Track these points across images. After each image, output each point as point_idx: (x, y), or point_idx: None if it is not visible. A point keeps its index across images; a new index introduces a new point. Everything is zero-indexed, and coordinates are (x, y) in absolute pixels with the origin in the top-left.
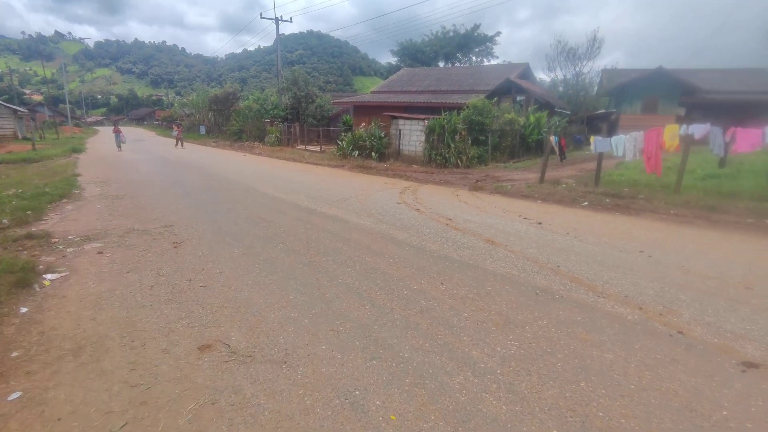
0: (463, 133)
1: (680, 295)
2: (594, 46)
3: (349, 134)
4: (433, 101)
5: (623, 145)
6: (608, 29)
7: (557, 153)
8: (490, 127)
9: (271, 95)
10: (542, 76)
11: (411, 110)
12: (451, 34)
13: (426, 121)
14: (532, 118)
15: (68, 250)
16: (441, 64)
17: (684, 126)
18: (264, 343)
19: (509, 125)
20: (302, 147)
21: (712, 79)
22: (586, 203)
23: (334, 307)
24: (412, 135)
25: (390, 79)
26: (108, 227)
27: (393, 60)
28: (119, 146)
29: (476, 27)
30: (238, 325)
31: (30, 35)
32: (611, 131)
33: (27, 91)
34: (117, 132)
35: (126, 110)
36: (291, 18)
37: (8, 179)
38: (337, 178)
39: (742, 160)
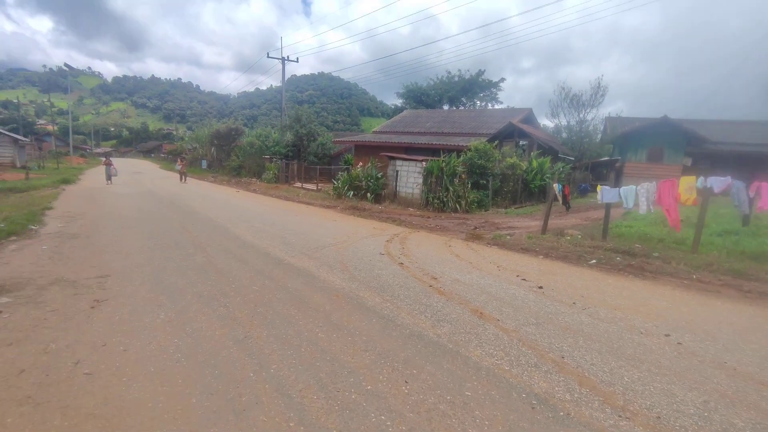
0: (463, 176)
1: (734, 419)
2: (598, 93)
3: (345, 174)
4: (434, 143)
5: (634, 196)
6: (610, 79)
7: (561, 200)
8: (491, 171)
9: (274, 132)
10: (546, 121)
11: (412, 151)
12: (456, 78)
13: (424, 163)
14: (534, 163)
15: None
16: (445, 108)
17: (701, 178)
18: None
19: (511, 170)
20: (299, 185)
21: (717, 130)
22: (594, 261)
23: (247, 421)
24: (409, 177)
25: (392, 120)
26: (35, 275)
27: (398, 102)
28: (109, 179)
29: (481, 72)
30: None
31: (51, 69)
32: (617, 179)
33: (41, 122)
34: (108, 164)
35: (135, 143)
36: (297, 58)
37: None
38: (324, 220)
39: (758, 215)
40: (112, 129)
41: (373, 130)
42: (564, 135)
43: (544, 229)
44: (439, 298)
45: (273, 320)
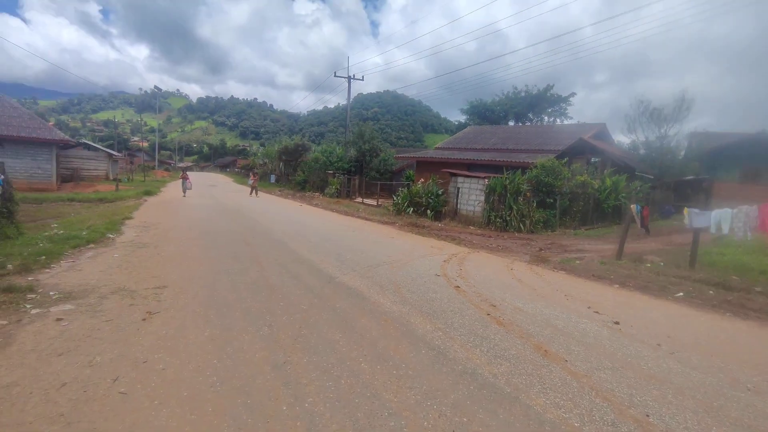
0: (528, 194)
1: None
2: (682, 106)
3: (405, 190)
4: (497, 159)
5: (729, 221)
6: (694, 92)
7: (639, 223)
8: (559, 189)
9: (338, 148)
10: (621, 138)
11: (474, 168)
12: (523, 94)
13: (486, 180)
14: (608, 182)
15: (33, 311)
16: (511, 124)
17: None
18: None
19: (581, 188)
20: (360, 200)
21: None
22: (681, 294)
23: None
24: (471, 194)
25: (455, 136)
26: (101, 283)
27: (462, 118)
28: (184, 192)
29: (549, 87)
30: None
31: (145, 91)
32: (706, 201)
33: (135, 138)
34: (184, 178)
35: (213, 158)
36: (363, 77)
37: (74, 217)
38: (381, 236)
39: None
40: (195, 145)
41: (435, 146)
42: (642, 151)
43: (620, 254)
44: (497, 330)
45: (316, 345)
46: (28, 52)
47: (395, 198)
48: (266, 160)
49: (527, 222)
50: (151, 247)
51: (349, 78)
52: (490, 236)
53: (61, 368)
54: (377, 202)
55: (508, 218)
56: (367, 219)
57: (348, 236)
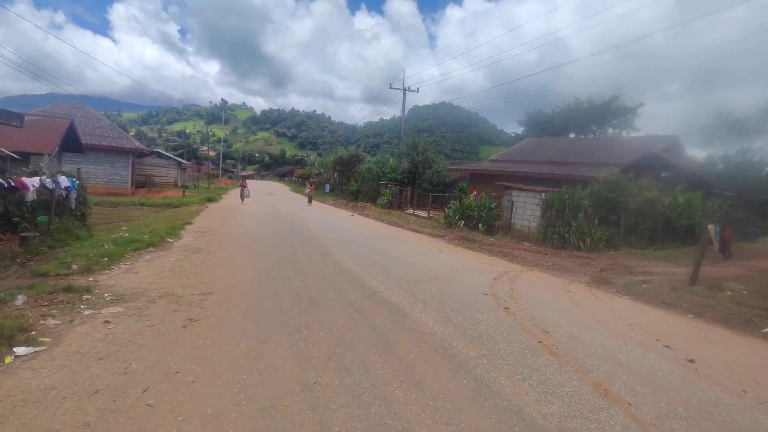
0: (589, 210)
1: None
2: None
3: (457, 202)
4: (556, 173)
5: None
6: None
7: (717, 245)
8: (624, 206)
9: (391, 159)
10: (696, 152)
11: (531, 181)
12: (585, 105)
13: (543, 194)
14: (680, 199)
15: (86, 312)
16: (572, 137)
17: None
18: None
19: (649, 205)
20: (411, 211)
21: None
22: None
23: None
24: (526, 208)
25: (511, 148)
26: (152, 287)
27: (520, 130)
28: (242, 199)
29: (615, 98)
30: None
31: (215, 104)
32: None
33: (204, 148)
34: (243, 186)
35: (273, 167)
36: (418, 88)
37: (141, 221)
38: (429, 249)
39: None
40: (257, 155)
41: (490, 158)
42: (720, 167)
43: (694, 279)
44: (549, 361)
45: (350, 366)
46: (115, 70)
47: (446, 210)
48: (321, 170)
49: (587, 240)
50: (205, 252)
51: (404, 90)
52: (545, 254)
53: (98, 373)
54: (428, 214)
55: (566, 235)
56: (416, 231)
57: (395, 248)
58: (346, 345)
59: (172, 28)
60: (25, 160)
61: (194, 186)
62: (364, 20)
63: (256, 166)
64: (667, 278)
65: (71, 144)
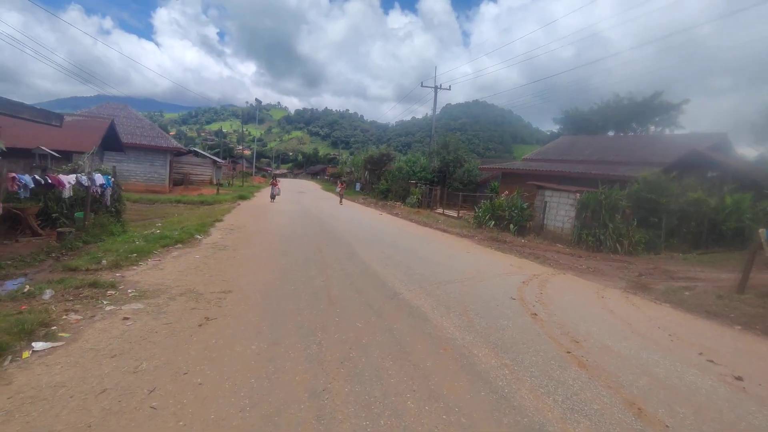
0: (627, 211)
1: None
2: None
3: (487, 202)
4: (592, 172)
5: None
6: None
7: None
8: (665, 207)
9: (422, 158)
10: (746, 150)
11: (565, 181)
12: (626, 102)
13: (578, 194)
14: (728, 200)
15: (108, 308)
16: (610, 135)
17: None
18: None
19: (694, 206)
20: (440, 211)
21: None
22: None
23: None
24: (559, 209)
25: (545, 147)
26: (175, 284)
27: (555, 128)
28: (273, 197)
29: (657, 94)
30: None
31: (251, 104)
32: None
33: (240, 147)
34: (274, 185)
35: (306, 166)
36: (450, 86)
37: (175, 217)
38: (457, 250)
39: None
40: (290, 154)
41: (523, 157)
42: None
43: (743, 287)
44: (578, 373)
45: (362, 372)
46: (156, 73)
47: (476, 210)
48: (352, 169)
49: (625, 242)
50: (231, 250)
51: (435, 88)
52: (580, 256)
53: (109, 372)
54: (458, 213)
55: (602, 237)
56: (444, 231)
57: (422, 248)
58: (360, 349)
59: (212, 31)
60: (67, 158)
61: (228, 184)
62: (397, 19)
63: (290, 164)
64: (711, 285)
65: (112, 143)
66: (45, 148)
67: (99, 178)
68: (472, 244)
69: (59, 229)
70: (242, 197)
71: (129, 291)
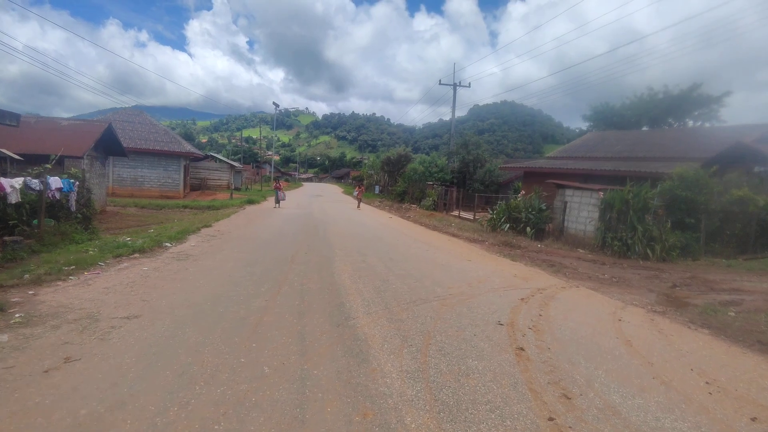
0: (660, 211)
1: None
2: None
3: (503, 203)
4: (621, 169)
5: None
6: None
7: None
8: (704, 207)
9: (439, 158)
10: None
11: (592, 179)
12: (661, 95)
13: (601, 193)
14: None
15: None
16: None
17: None
18: None
19: (739, 205)
20: (456, 213)
21: None
22: None
23: None
24: (581, 209)
25: (571, 144)
26: (81, 306)
27: (584, 126)
28: (277, 202)
29: (696, 86)
30: None
31: (280, 110)
32: None
33: (269, 153)
34: (277, 188)
35: (331, 170)
36: (470, 83)
37: (169, 224)
38: (457, 258)
39: None
40: (318, 158)
41: (546, 155)
42: None
43: None
44: None
45: None
46: (184, 87)
47: (491, 213)
48: (372, 172)
49: (657, 247)
50: (191, 260)
51: (454, 85)
52: (603, 263)
53: None
54: (474, 216)
55: (629, 241)
56: (453, 235)
57: (415, 256)
58: (235, 416)
59: (241, 40)
60: (59, 163)
61: (246, 188)
62: (423, 21)
63: (316, 169)
64: (763, 299)
65: (114, 147)
66: (4, 151)
67: (55, 182)
68: (479, 250)
69: (6, 238)
70: (250, 202)
71: (17, 315)
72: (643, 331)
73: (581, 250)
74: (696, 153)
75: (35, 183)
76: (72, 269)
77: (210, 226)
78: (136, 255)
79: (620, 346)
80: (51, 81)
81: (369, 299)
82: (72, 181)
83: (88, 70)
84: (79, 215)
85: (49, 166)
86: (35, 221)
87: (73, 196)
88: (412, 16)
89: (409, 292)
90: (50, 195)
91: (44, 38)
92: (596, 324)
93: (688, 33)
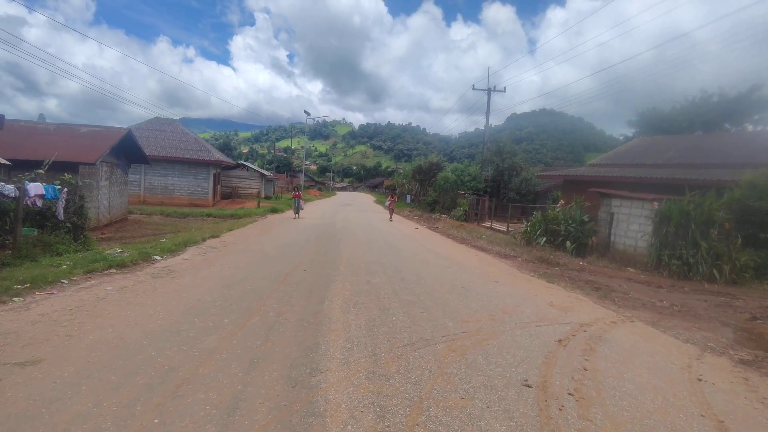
0: (727, 225)
1: None
2: None
3: (538, 214)
4: (676, 177)
5: None
6: None
7: None
8: None
9: (471, 166)
10: None
11: (640, 188)
12: (716, 98)
13: (656, 203)
14: None
15: None
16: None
17: None
18: None
19: None
20: (488, 224)
21: None
22: None
23: None
24: (631, 222)
25: (616, 150)
26: (25, 330)
27: (630, 132)
28: (297, 212)
29: (756, 88)
30: None
31: (317, 121)
32: None
33: (307, 162)
34: (296, 197)
35: (366, 179)
36: (504, 88)
37: (184, 233)
38: (481, 279)
39: None
40: (354, 168)
41: (589, 162)
42: None
43: None
44: None
45: None
46: (225, 101)
47: (525, 225)
48: (404, 181)
49: (725, 267)
50: (169, 278)
51: (488, 90)
52: (659, 286)
53: None
54: (507, 227)
55: (691, 260)
56: (482, 249)
57: (432, 276)
58: None
59: (282, 54)
60: (73, 169)
61: (276, 197)
62: (460, 30)
63: (351, 178)
64: None
65: (135, 155)
66: None
67: (35, 188)
68: (509, 268)
69: None
70: (273, 210)
71: None
72: (738, 399)
73: (631, 269)
74: (765, 158)
75: (9, 189)
76: (25, 288)
77: (217, 236)
78: (112, 270)
79: (705, 421)
80: (105, 96)
81: (355, 338)
82: (58, 187)
83: (141, 84)
84: (68, 224)
85: (41, 171)
86: (25, 230)
87: (61, 204)
88: (448, 25)
89: (411, 328)
90: (29, 202)
91: (101, 56)
92: (667, 388)
93: (741, 29)
